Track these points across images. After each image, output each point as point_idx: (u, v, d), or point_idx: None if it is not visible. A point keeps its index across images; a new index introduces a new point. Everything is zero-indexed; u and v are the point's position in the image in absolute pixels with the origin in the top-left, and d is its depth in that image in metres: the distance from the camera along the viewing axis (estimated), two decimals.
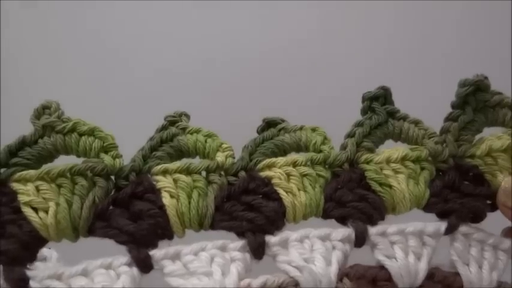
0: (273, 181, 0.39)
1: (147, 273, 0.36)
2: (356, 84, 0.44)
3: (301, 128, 0.42)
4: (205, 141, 0.40)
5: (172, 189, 0.37)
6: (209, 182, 0.39)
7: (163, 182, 0.38)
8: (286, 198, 0.38)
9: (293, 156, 0.40)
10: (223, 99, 0.41)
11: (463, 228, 0.39)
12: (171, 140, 0.41)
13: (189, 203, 0.37)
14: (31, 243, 0.36)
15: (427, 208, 0.40)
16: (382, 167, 0.40)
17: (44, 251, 0.44)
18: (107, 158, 0.38)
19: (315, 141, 0.41)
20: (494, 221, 0.40)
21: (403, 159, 0.40)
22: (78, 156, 0.39)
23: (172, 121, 0.42)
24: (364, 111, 0.43)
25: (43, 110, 0.40)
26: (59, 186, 0.37)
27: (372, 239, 0.37)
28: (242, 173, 0.39)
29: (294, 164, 0.39)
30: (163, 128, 0.41)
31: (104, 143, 0.39)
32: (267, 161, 0.40)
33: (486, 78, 0.42)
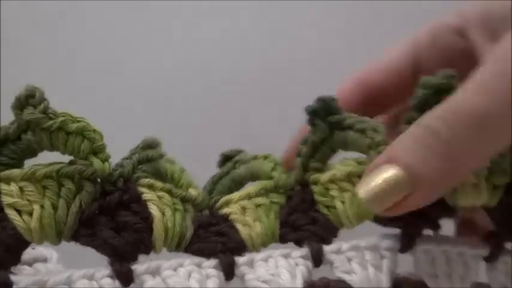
0: (231, 217, 0.42)
1: (128, 286, 0.37)
2: None
3: (254, 158, 0.45)
4: (181, 174, 0.43)
5: (159, 203, 0.39)
6: (185, 210, 0.41)
7: (150, 195, 0.39)
8: (243, 231, 0.41)
9: (246, 189, 0.43)
10: (223, 99, 0.42)
11: (423, 246, 0.42)
12: (155, 160, 0.42)
13: (174, 219, 0.39)
14: (14, 246, 0.35)
15: (376, 220, 0.42)
16: (329, 186, 0.42)
17: (44, 251, 0.42)
18: (96, 162, 0.38)
19: (265, 169, 0.44)
20: None
21: (348, 176, 0.42)
22: (64, 154, 0.38)
23: (149, 145, 0.43)
24: (309, 125, 0.43)
25: (26, 99, 0.36)
26: (45, 187, 0.36)
27: (328, 257, 0.40)
28: (206, 212, 0.42)
29: (248, 197, 0.43)
30: (144, 147, 0.42)
31: (93, 144, 0.38)
32: (224, 199, 0.43)
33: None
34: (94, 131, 0.38)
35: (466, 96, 0.30)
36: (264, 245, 0.42)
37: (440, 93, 0.36)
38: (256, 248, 0.41)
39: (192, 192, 0.42)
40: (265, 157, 0.45)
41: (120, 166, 0.39)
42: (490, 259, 0.43)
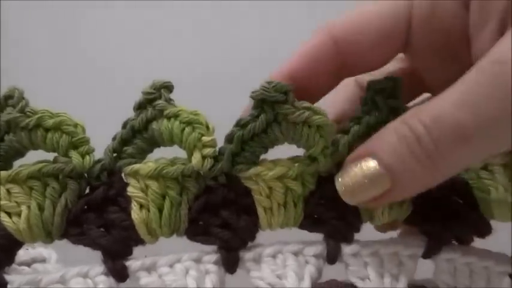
0: (254, 195, 0.36)
1: (123, 282, 0.36)
2: None
3: (305, 121, 0.34)
4: (182, 132, 0.35)
5: (142, 199, 0.35)
6: (184, 188, 0.36)
7: (133, 189, 0.36)
8: (263, 219, 0.36)
9: (283, 166, 0.36)
10: (223, 99, 0.37)
11: (446, 255, 0.37)
12: (144, 129, 0.36)
13: (160, 217, 0.35)
14: (7, 246, 0.36)
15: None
16: None
17: (43, 252, 0.44)
18: (75, 157, 0.36)
19: (313, 150, 0.35)
20: None
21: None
22: (47, 151, 0.37)
23: (148, 99, 0.36)
24: (364, 102, 0.37)
25: (5, 100, 0.36)
26: (30, 188, 0.36)
27: (345, 259, 0.36)
28: (222, 178, 0.36)
29: (283, 178, 0.36)
30: (140, 106, 0.36)
31: (72, 138, 0.36)
32: (252, 171, 0.35)
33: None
34: (75, 125, 0.36)
35: (451, 110, 0.29)
36: (281, 228, 0.37)
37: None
38: (270, 229, 0.37)
39: (195, 159, 0.35)
40: (319, 127, 0.34)
41: (103, 157, 0.36)
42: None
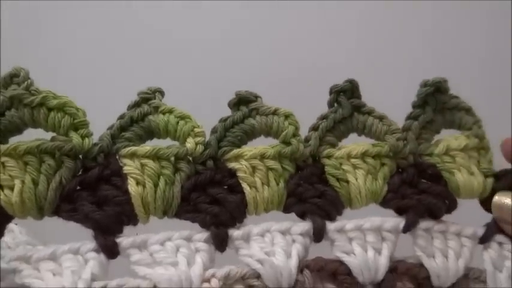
0: (239, 174, 0.39)
1: (114, 259, 0.37)
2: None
3: (274, 112, 0.41)
4: (177, 124, 0.40)
5: (138, 176, 0.38)
6: (177, 169, 0.39)
7: (130, 167, 0.38)
8: (249, 194, 0.39)
9: (261, 148, 0.40)
10: (222, 99, 0.41)
11: (423, 224, 0.40)
12: (142, 120, 0.40)
13: (155, 192, 0.38)
14: None
15: (384, 203, 0.41)
16: (342, 162, 0.41)
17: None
18: (75, 137, 0.37)
19: (285, 132, 0.41)
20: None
21: (363, 155, 0.41)
22: (47, 131, 0.38)
23: (145, 98, 0.40)
24: (330, 104, 0.43)
25: (11, 78, 0.37)
26: (26, 163, 0.36)
27: (330, 235, 0.39)
28: (210, 162, 0.40)
29: (262, 157, 0.40)
30: (136, 104, 0.40)
31: (73, 119, 0.38)
32: (235, 152, 0.40)
33: (446, 81, 0.43)
34: (77, 108, 0.38)
35: None
36: (266, 211, 0.40)
37: (437, 91, 0.42)
38: (257, 213, 0.40)
39: (189, 144, 0.39)
40: (287, 116, 0.41)
41: (101, 140, 0.38)
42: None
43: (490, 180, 0.42)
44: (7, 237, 0.41)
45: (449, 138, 0.43)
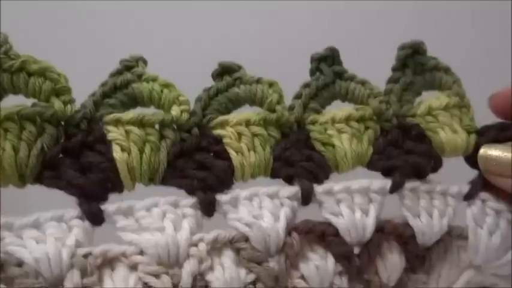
0: (224, 140, 0.39)
1: (99, 225, 0.36)
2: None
3: (257, 81, 0.41)
4: (161, 91, 0.39)
5: (123, 142, 0.37)
6: (162, 137, 0.38)
7: (115, 134, 0.37)
8: (236, 159, 0.39)
9: (246, 114, 0.41)
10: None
11: (409, 184, 0.41)
12: (125, 87, 0.39)
13: (141, 157, 0.37)
14: None
15: (370, 166, 0.42)
16: (327, 127, 0.41)
17: None
18: (57, 103, 0.36)
19: (270, 99, 0.41)
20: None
21: (347, 119, 0.41)
22: (27, 97, 0.37)
23: (127, 66, 0.40)
24: (312, 73, 0.44)
25: None
26: (6, 130, 0.35)
27: (318, 198, 0.39)
28: (195, 130, 0.39)
29: (247, 123, 0.40)
30: (118, 72, 0.39)
31: (55, 85, 0.37)
32: (220, 118, 0.40)
33: (423, 43, 0.44)
34: (58, 73, 0.37)
35: None
36: (253, 176, 0.40)
37: (415, 53, 0.43)
38: (244, 179, 0.40)
39: (174, 111, 0.39)
40: (271, 84, 0.41)
41: (84, 107, 0.38)
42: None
43: (473, 137, 0.42)
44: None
45: (431, 98, 0.44)
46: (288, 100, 0.42)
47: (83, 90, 0.39)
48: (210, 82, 0.42)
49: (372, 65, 0.45)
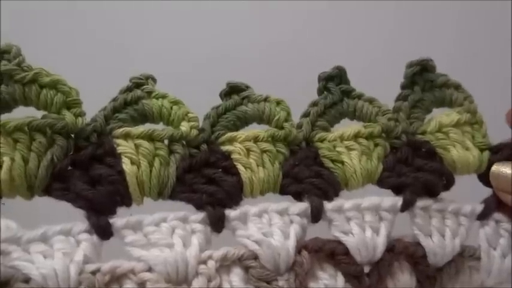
0: (233, 156, 0.39)
1: (107, 240, 0.36)
2: (354, 83, 0.44)
3: (265, 99, 0.42)
4: (171, 108, 0.39)
5: (133, 155, 0.37)
6: (171, 151, 0.38)
7: (125, 147, 0.37)
8: (245, 174, 0.39)
9: (255, 131, 0.40)
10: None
11: (421, 203, 0.40)
12: (135, 103, 0.39)
13: (150, 171, 0.37)
14: None
15: (380, 183, 0.41)
16: (335, 144, 0.41)
17: None
18: (68, 115, 0.36)
19: (278, 117, 0.41)
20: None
21: (355, 136, 0.41)
22: (38, 109, 0.37)
23: (137, 83, 0.40)
24: (319, 92, 0.44)
25: (1, 54, 0.36)
26: (16, 140, 0.35)
27: (328, 215, 0.39)
28: (204, 146, 0.39)
29: (255, 140, 0.40)
30: (128, 89, 0.40)
31: (66, 97, 0.37)
32: (228, 135, 0.40)
33: (431, 60, 0.44)
34: (69, 87, 0.37)
35: None
36: (263, 193, 0.40)
37: (424, 70, 0.43)
38: (253, 195, 0.39)
39: (183, 127, 0.39)
40: (278, 102, 0.41)
41: (94, 121, 0.38)
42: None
43: (486, 154, 0.42)
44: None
45: (441, 115, 0.44)
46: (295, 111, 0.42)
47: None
48: (209, 82, 0.42)
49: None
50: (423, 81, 0.44)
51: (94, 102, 0.38)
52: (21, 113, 0.36)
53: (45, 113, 0.37)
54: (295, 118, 0.42)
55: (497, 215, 0.42)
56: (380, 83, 0.45)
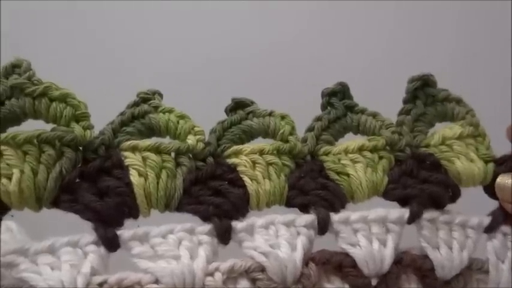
0: (239, 168, 0.39)
1: (114, 252, 0.36)
2: (353, 83, 0.45)
3: (270, 114, 0.42)
4: (178, 122, 0.40)
5: (140, 167, 0.37)
6: (178, 164, 0.39)
7: (132, 159, 0.37)
8: (251, 186, 0.39)
9: (260, 144, 0.41)
10: (220, 99, 0.41)
11: (428, 215, 0.40)
12: (142, 117, 0.40)
13: (157, 183, 0.37)
14: None
15: (386, 195, 0.41)
16: (340, 157, 0.41)
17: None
18: (77, 128, 0.37)
19: (283, 131, 0.41)
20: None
21: (360, 149, 0.42)
22: (48, 122, 0.38)
23: (144, 98, 0.41)
24: (323, 107, 0.44)
25: (12, 68, 0.37)
26: (25, 153, 0.35)
27: (334, 227, 0.39)
28: (210, 159, 0.40)
29: (261, 153, 0.40)
30: (135, 104, 0.40)
31: (75, 111, 0.37)
32: (234, 148, 0.40)
33: (432, 75, 0.44)
34: (78, 100, 0.37)
35: None
36: (269, 205, 0.40)
37: (425, 85, 0.44)
38: (259, 207, 0.39)
39: (190, 140, 0.39)
40: (283, 117, 0.42)
41: (102, 134, 0.38)
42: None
43: (491, 165, 0.42)
44: (5, 236, 0.39)
45: (444, 128, 0.44)
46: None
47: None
48: (210, 82, 0.42)
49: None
50: (425, 96, 0.44)
51: (94, 102, 0.39)
52: (26, 127, 0.37)
53: (54, 125, 0.37)
54: (295, 118, 0.43)
55: (505, 228, 0.41)
56: (380, 83, 0.45)
